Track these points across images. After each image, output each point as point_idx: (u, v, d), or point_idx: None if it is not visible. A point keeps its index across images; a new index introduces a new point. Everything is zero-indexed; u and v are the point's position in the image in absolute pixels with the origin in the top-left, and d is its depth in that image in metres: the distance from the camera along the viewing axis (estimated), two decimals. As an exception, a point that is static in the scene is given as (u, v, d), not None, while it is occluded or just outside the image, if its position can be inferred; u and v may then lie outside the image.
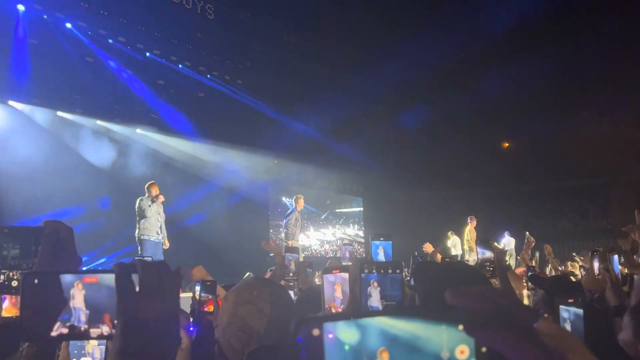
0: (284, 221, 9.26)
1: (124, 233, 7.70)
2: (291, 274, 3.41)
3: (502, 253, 3.24)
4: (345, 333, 0.52)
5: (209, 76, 11.99)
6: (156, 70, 10.90)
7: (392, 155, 16.36)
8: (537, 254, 7.54)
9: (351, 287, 1.59)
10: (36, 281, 0.85)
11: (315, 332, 0.51)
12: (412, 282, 3.07)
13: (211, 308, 2.27)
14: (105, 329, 0.85)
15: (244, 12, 12.00)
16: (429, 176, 16.32)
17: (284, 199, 14.45)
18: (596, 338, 1.54)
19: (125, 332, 0.74)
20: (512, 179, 16.84)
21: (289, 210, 9.34)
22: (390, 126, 16.34)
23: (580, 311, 1.55)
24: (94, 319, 0.84)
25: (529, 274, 4.10)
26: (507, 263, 5.37)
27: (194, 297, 2.58)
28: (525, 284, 4.04)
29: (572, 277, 4.68)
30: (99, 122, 10.11)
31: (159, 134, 11.05)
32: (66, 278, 0.85)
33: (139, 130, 10.75)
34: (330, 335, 0.52)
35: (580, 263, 8.13)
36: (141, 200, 7.31)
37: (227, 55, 12.20)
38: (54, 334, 0.83)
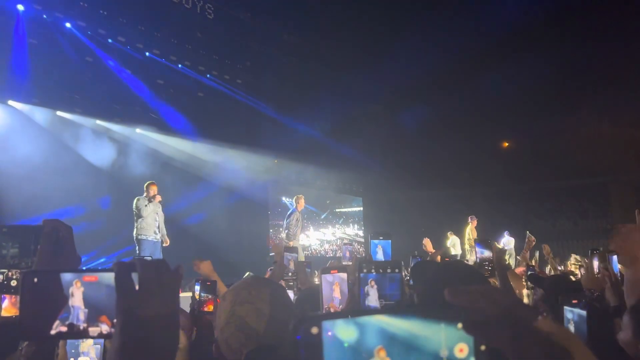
0: (285, 222, 9.23)
1: (123, 233, 7.70)
2: (290, 274, 3.41)
3: (501, 252, 3.23)
4: (343, 331, 0.52)
5: (208, 76, 11.99)
6: (156, 70, 10.89)
7: (391, 154, 16.36)
8: (537, 254, 7.55)
9: (350, 287, 1.60)
10: (36, 280, 0.85)
11: (314, 330, 0.51)
12: (411, 282, 3.06)
13: (211, 308, 2.26)
14: (104, 328, 0.85)
15: (243, 12, 12.00)
16: (428, 176, 16.33)
17: (283, 198, 14.44)
18: (597, 337, 1.55)
19: (125, 330, 0.74)
20: (511, 179, 16.84)
21: (290, 211, 9.33)
22: (390, 126, 16.33)
23: (583, 312, 1.56)
24: (94, 318, 0.84)
25: (529, 273, 4.11)
26: (507, 262, 5.37)
27: (193, 297, 2.58)
28: (524, 283, 4.04)
29: (571, 277, 4.67)
30: (98, 121, 10.10)
31: (158, 133, 11.04)
32: (66, 277, 0.85)
33: (138, 130, 10.74)
34: (329, 334, 0.52)
35: (580, 262, 8.13)
36: (138, 200, 7.33)
37: (226, 54, 12.20)
38: (53, 332, 0.83)
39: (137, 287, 0.76)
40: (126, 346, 0.73)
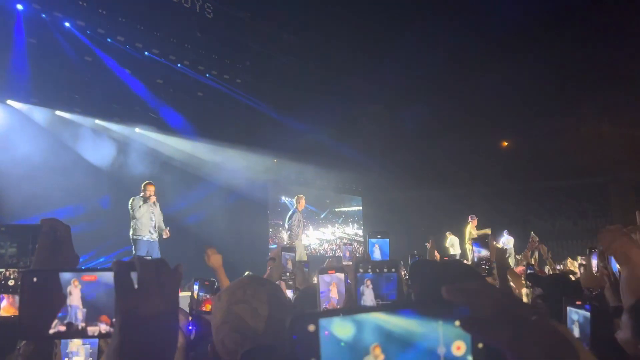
0: (287, 223, 9.17)
1: (122, 232, 7.68)
2: (288, 274, 3.41)
3: (503, 252, 3.24)
4: (340, 329, 0.52)
5: (207, 75, 11.98)
6: (155, 69, 10.89)
7: (391, 154, 16.36)
8: (537, 253, 7.58)
9: (347, 287, 1.60)
10: (35, 279, 0.85)
11: (311, 328, 0.51)
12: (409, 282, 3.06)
13: (209, 307, 2.26)
14: (103, 327, 0.85)
15: (243, 11, 11.99)
16: (428, 175, 16.34)
17: (283, 198, 14.44)
18: (600, 338, 1.55)
19: (124, 329, 0.73)
20: (510, 179, 16.85)
21: (291, 211, 9.30)
22: (390, 126, 16.33)
23: (587, 313, 1.57)
24: (93, 317, 0.84)
25: (528, 272, 4.11)
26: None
27: (192, 297, 2.57)
28: (524, 282, 4.05)
29: (571, 276, 4.68)
30: (97, 121, 10.09)
31: (157, 133, 11.04)
32: (65, 276, 0.85)
33: (137, 130, 10.73)
34: (326, 332, 0.52)
35: (579, 261, 8.16)
36: (133, 200, 7.33)
37: (226, 54, 12.19)
38: (51, 331, 0.83)
39: (136, 287, 0.75)
40: (125, 345, 0.73)
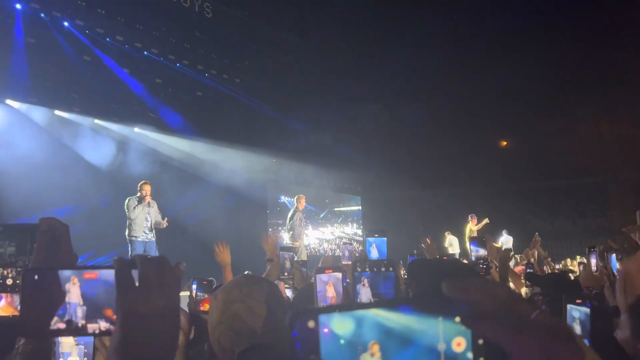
0: (289, 223, 9.08)
1: (121, 232, 7.67)
2: (286, 273, 3.41)
3: (507, 252, 3.26)
4: (339, 326, 0.52)
5: (207, 75, 11.98)
6: (154, 69, 10.88)
7: (390, 154, 16.37)
8: (536, 253, 7.61)
9: (345, 286, 1.60)
10: (36, 277, 0.85)
11: (311, 324, 0.51)
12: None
13: (207, 307, 2.25)
14: (103, 325, 0.85)
15: (242, 11, 11.98)
16: (427, 175, 16.35)
17: (282, 197, 14.45)
18: (600, 335, 1.56)
19: (125, 327, 0.73)
20: (509, 178, 16.87)
21: (292, 211, 9.22)
22: (389, 125, 16.34)
23: (587, 310, 1.57)
24: (93, 315, 0.84)
25: (527, 271, 4.11)
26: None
27: (190, 296, 2.57)
28: (523, 282, 4.05)
29: (570, 275, 4.69)
30: (96, 121, 10.08)
31: (157, 132, 11.02)
32: (66, 274, 0.85)
33: (136, 129, 10.72)
34: (326, 329, 0.52)
35: (579, 260, 8.20)
36: (129, 200, 7.30)
37: (225, 54, 12.19)
38: (51, 329, 0.83)
39: (137, 284, 0.75)
40: (126, 343, 0.72)
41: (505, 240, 12.30)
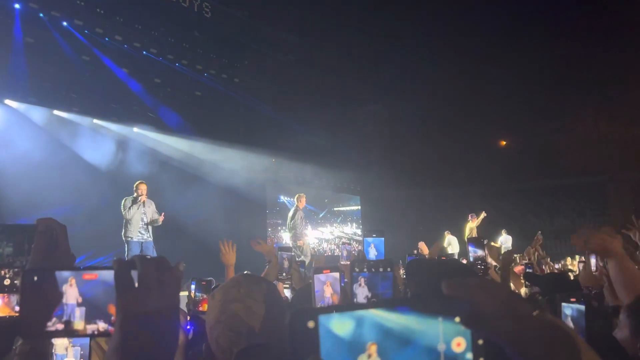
0: (291, 222, 8.99)
1: (120, 232, 7.67)
2: (284, 274, 3.41)
3: (509, 253, 3.27)
4: (339, 326, 0.52)
5: (206, 75, 11.97)
6: (153, 68, 10.88)
7: (389, 153, 16.38)
8: (536, 252, 7.63)
9: (343, 286, 1.59)
10: (36, 278, 0.85)
11: (311, 324, 0.51)
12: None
13: (205, 307, 2.25)
14: (102, 325, 0.84)
15: (241, 11, 11.98)
16: (426, 175, 16.36)
17: (282, 197, 14.44)
18: (596, 333, 1.56)
19: (124, 327, 0.73)
20: (509, 177, 16.88)
21: (293, 211, 9.15)
22: (388, 125, 16.34)
23: (581, 307, 1.57)
24: (92, 316, 0.84)
25: (526, 271, 4.11)
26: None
27: (189, 296, 2.57)
28: (522, 282, 4.05)
29: (570, 274, 4.69)
30: (95, 120, 10.07)
31: (156, 132, 11.02)
32: (65, 275, 0.84)
33: (135, 129, 10.71)
34: (325, 329, 0.52)
35: (578, 260, 8.21)
36: (124, 200, 7.28)
37: (224, 53, 12.18)
38: (50, 329, 0.83)
39: (136, 285, 0.75)
40: (126, 343, 0.72)
41: (504, 240, 12.31)
